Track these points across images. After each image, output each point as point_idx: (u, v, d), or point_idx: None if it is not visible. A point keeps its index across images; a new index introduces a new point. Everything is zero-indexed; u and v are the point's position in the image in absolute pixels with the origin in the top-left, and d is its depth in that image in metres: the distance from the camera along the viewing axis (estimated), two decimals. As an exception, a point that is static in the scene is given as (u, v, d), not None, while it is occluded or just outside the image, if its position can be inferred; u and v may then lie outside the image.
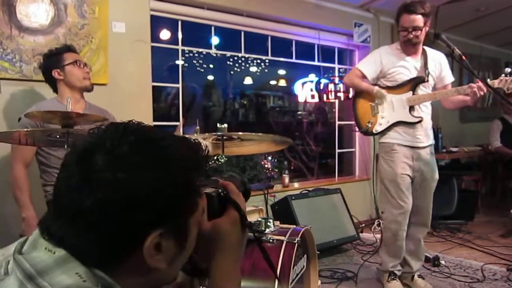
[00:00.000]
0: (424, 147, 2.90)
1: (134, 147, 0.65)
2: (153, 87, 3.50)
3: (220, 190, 0.86)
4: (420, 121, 2.87)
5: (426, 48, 2.94)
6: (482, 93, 2.61)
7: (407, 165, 2.87)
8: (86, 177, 0.62)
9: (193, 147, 0.73)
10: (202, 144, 0.75)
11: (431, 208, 2.95)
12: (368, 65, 2.97)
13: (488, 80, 2.62)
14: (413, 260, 2.98)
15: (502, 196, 5.67)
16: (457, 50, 2.59)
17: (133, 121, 0.71)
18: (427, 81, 2.89)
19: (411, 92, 2.87)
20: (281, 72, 5.39)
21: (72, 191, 0.62)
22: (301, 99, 4.80)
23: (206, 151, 0.75)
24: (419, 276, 3.02)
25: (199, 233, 0.77)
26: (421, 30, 2.76)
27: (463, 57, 2.60)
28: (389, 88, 2.91)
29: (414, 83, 2.88)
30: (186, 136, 0.76)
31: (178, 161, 0.68)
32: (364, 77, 2.96)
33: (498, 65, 7.17)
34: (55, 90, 2.44)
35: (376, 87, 2.92)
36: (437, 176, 2.95)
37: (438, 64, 2.97)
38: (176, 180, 0.67)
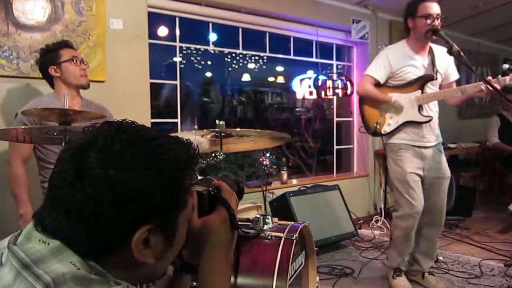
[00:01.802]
0: (432, 146, 2.87)
1: (126, 146, 0.67)
2: (151, 84, 3.49)
3: (211, 189, 0.89)
4: (429, 120, 2.83)
5: (432, 45, 2.89)
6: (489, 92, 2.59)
7: (417, 163, 2.83)
8: (79, 173, 0.64)
9: (184, 146, 0.75)
10: (193, 143, 0.77)
11: (444, 207, 2.90)
12: (378, 70, 2.87)
13: (500, 77, 2.56)
14: (424, 260, 2.95)
15: (500, 192, 5.68)
16: (455, 46, 2.57)
17: (126, 120, 0.74)
18: (436, 79, 2.83)
19: (419, 91, 2.81)
20: (279, 68, 5.39)
21: (66, 185, 0.65)
22: (299, 95, 4.80)
23: (197, 150, 0.78)
24: (430, 273, 3.00)
25: (189, 230, 0.80)
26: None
27: (462, 53, 2.58)
28: (397, 87, 2.85)
29: (422, 82, 2.81)
30: (178, 135, 0.78)
31: (169, 160, 0.70)
32: (376, 82, 2.88)
33: (496, 62, 7.18)
34: (52, 86, 2.43)
35: (394, 98, 2.83)
36: (448, 173, 2.91)
37: (444, 60, 2.90)
38: (165, 178, 0.69)
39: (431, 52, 2.88)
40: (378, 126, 2.90)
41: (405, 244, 2.89)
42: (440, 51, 2.92)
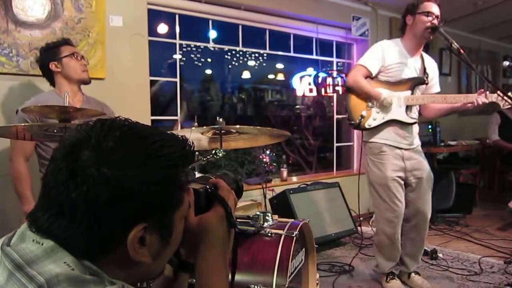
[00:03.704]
0: (412, 148, 2.84)
1: (119, 143, 0.66)
2: (151, 81, 3.49)
3: (208, 186, 0.87)
4: (415, 123, 2.81)
5: (423, 53, 2.89)
6: (484, 104, 2.58)
7: (398, 166, 2.78)
8: (72, 172, 0.63)
9: (179, 143, 0.74)
10: (189, 140, 0.76)
11: (430, 210, 2.87)
12: (372, 60, 2.80)
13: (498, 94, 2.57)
14: (410, 261, 2.94)
15: (500, 189, 5.69)
16: (455, 43, 2.57)
17: (120, 117, 0.73)
18: (427, 83, 2.82)
19: (409, 92, 2.78)
20: (279, 66, 5.39)
21: (59, 184, 0.64)
22: (299, 93, 4.80)
23: (193, 147, 0.77)
24: (416, 273, 2.98)
25: (186, 228, 0.79)
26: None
27: (461, 51, 2.58)
28: (387, 84, 2.80)
29: (414, 83, 2.79)
30: (173, 132, 0.77)
31: (163, 157, 0.69)
32: (369, 73, 2.80)
33: (496, 59, 7.17)
34: (53, 83, 2.43)
35: (384, 95, 2.73)
36: (431, 174, 2.88)
37: (433, 70, 2.91)
38: (160, 175, 0.68)
39: (421, 57, 2.88)
40: (362, 119, 2.81)
41: (392, 249, 2.86)
42: (429, 60, 2.93)
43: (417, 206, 2.84)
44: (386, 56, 2.80)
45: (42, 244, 0.63)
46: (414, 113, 2.85)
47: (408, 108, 2.79)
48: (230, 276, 0.93)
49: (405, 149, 2.81)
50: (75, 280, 0.61)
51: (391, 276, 2.91)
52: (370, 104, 2.82)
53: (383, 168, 2.79)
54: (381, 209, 2.85)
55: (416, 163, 2.83)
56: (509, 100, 2.49)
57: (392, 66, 2.80)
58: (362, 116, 2.80)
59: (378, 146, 2.81)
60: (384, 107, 2.77)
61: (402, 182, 2.82)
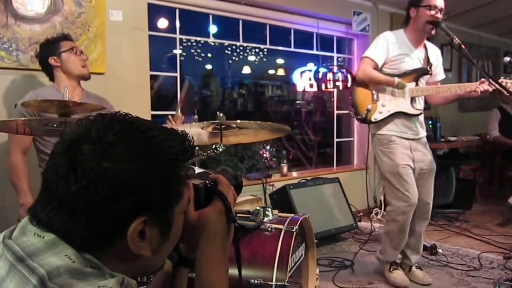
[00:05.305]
0: (419, 139, 2.88)
1: (119, 137, 0.67)
2: (151, 76, 3.48)
3: (207, 182, 0.88)
4: (420, 114, 2.83)
5: (426, 41, 2.90)
6: (486, 92, 2.59)
7: (407, 155, 2.82)
8: (72, 166, 0.64)
9: (179, 137, 0.74)
10: (188, 135, 0.77)
11: (431, 200, 2.90)
12: (378, 53, 2.82)
13: (502, 79, 2.56)
14: (412, 254, 2.96)
15: (499, 185, 5.69)
16: (456, 39, 2.57)
17: (120, 112, 0.73)
18: (431, 74, 2.84)
19: (414, 83, 2.80)
20: (280, 61, 5.37)
21: (60, 178, 0.64)
22: (299, 88, 4.78)
23: (192, 141, 0.77)
24: (417, 267, 3.00)
25: (185, 222, 0.80)
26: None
27: (463, 46, 2.58)
28: (391, 76, 2.82)
29: (418, 74, 2.81)
30: (173, 127, 0.77)
31: (163, 151, 0.69)
32: (376, 65, 2.82)
33: (497, 55, 7.15)
34: (52, 78, 2.43)
35: (397, 79, 2.76)
36: (434, 166, 2.92)
37: (436, 58, 2.93)
38: (160, 170, 0.68)
39: (425, 46, 2.89)
40: (368, 113, 2.85)
41: (400, 238, 2.88)
42: (432, 48, 2.94)
43: (421, 197, 2.85)
44: (390, 48, 2.82)
45: (43, 237, 0.64)
46: (419, 103, 2.87)
47: (413, 99, 2.82)
48: (236, 272, 0.94)
49: (412, 139, 2.85)
50: (76, 273, 0.61)
51: (394, 266, 2.93)
52: (375, 97, 2.85)
53: (393, 156, 2.82)
54: (395, 199, 2.85)
55: (420, 154, 2.87)
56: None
57: (395, 58, 2.82)
58: (368, 110, 2.85)
59: (386, 137, 2.86)
60: (390, 98, 2.81)
61: (412, 171, 2.84)
